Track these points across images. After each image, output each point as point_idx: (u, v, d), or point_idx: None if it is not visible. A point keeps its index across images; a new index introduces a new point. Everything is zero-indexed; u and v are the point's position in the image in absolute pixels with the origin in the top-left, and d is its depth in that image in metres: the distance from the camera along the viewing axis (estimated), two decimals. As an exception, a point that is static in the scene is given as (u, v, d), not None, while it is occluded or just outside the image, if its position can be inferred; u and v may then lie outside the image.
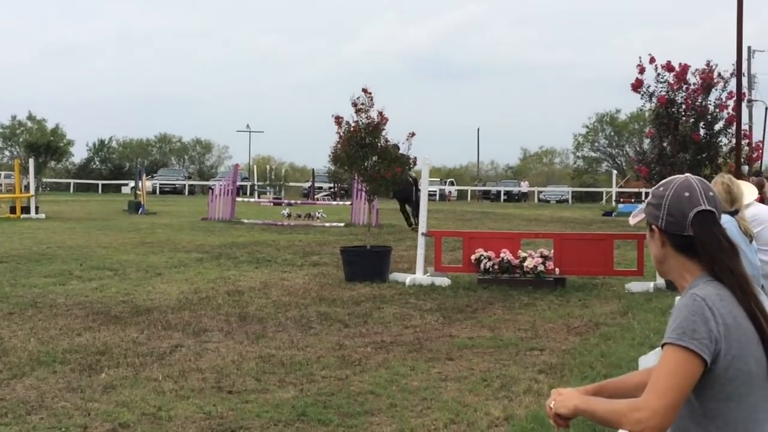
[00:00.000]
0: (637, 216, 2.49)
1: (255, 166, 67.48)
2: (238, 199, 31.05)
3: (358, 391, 6.47)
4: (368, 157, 13.31)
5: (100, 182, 77.16)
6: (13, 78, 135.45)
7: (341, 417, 5.80)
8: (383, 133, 13.32)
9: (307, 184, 57.41)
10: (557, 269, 12.21)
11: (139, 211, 31.98)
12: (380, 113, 13.27)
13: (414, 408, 6.03)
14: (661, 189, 2.33)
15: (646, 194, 3.12)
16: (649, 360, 5.49)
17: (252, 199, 43.19)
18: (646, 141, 15.63)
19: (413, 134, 13.59)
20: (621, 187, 56.65)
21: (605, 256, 12.40)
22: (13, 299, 10.52)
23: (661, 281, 11.74)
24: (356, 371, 7.12)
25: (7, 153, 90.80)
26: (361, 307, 10.38)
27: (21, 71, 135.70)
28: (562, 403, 2.39)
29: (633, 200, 46.31)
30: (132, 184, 73.59)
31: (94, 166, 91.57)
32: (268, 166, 61.97)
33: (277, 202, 36.01)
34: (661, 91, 12.74)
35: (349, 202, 29.21)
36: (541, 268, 12.06)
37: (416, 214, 21.34)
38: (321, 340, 8.41)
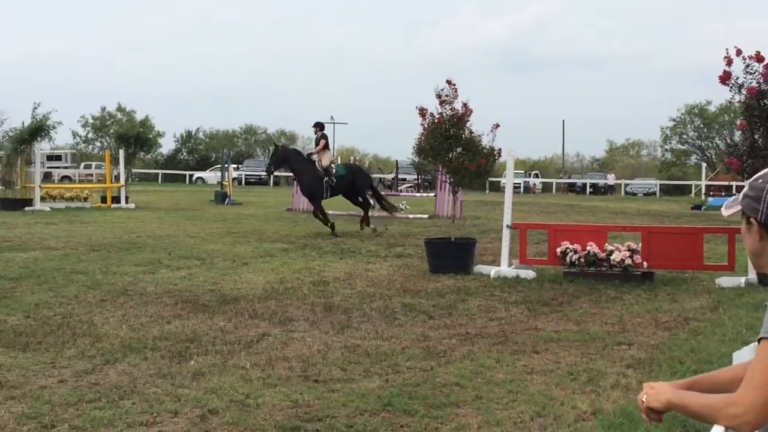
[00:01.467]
0: (731, 208, 2.42)
1: (339, 158, 67.82)
2: (323, 190, 31.21)
3: (443, 382, 6.47)
4: (452, 148, 13.28)
5: (187, 173, 78.35)
6: (102, 70, 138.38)
7: (427, 408, 5.80)
8: (468, 124, 13.28)
9: (391, 176, 57.50)
10: (645, 263, 12.02)
11: (226, 202, 32.43)
12: (465, 104, 13.23)
13: (500, 400, 6.00)
14: (760, 181, 2.27)
15: (738, 187, 3.05)
16: (743, 355, 5.38)
17: (336, 191, 43.29)
18: (737, 133, 15.27)
19: (498, 125, 13.53)
20: (711, 179, 55.54)
21: (694, 250, 12.16)
22: (105, 287, 10.76)
23: (753, 276, 11.47)
24: (441, 363, 7.12)
25: (97, 144, 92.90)
26: (446, 298, 10.37)
27: (111, 63, 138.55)
28: (655, 397, 2.36)
29: (723, 193, 45.32)
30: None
31: (182, 157, 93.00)
32: (351, 158, 62.21)
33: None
34: (750, 82, 12.44)
35: (432, 194, 29.18)
36: (628, 261, 11.89)
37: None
38: (406, 331, 8.43)
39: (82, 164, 75.24)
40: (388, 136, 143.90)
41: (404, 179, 55.73)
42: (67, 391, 6.02)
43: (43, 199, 27.64)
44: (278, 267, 12.98)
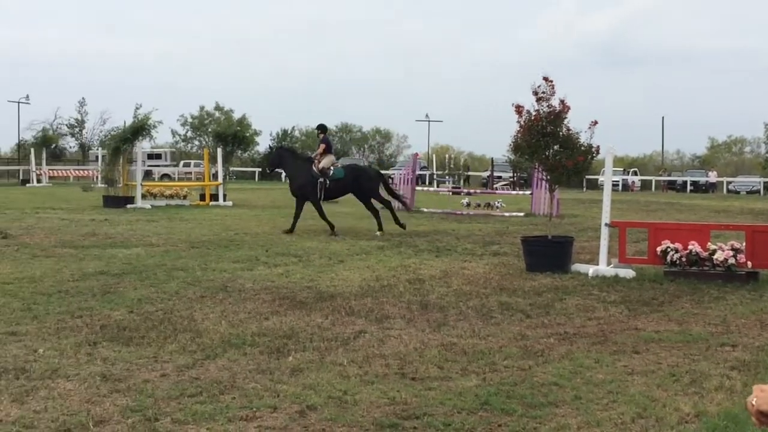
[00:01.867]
0: None
1: (434, 156, 67.76)
2: (418, 188, 31.26)
3: (541, 382, 6.40)
4: (549, 146, 13.14)
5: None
6: (200, 69, 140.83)
7: (525, 407, 5.75)
8: (565, 121, 13.13)
9: (486, 174, 57.24)
10: (749, 263, 11.71)
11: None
12: (562, 101, 13.07)
13: (599, 401, 5.92)
14: None
15: None
16: None
17: (431, 188, 43.41)
18: None
19: (596, 122, 13.33)
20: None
21: (801, 250, 11.80)
22: (205, 283, 10.94)
23: None
24: (539, 362, 7.04)
25: (196, 143, 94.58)
26: (543, 297, 10.27)
27: (208, 62, 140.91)
28: (766, 400, 2.29)
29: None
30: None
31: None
32: (447, 155, 62.07)
33: (456, 192, 36.06)
34: None
35: (528, 192, 28.96)
36: (732, 261, 11.60)
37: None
38: (503, 329, 8.37)
39: (181, 162, 76.68)
40: (484, 134, 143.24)
41: (500, 177, 55.40)
42: (169, 385, 6.13)
43: (144, 196, 28.25)
44: (374, 264, 13.03)
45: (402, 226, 19.07)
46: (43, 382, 6.17)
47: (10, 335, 7.72)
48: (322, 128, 20.68)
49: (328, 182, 19.24)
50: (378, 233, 18.47)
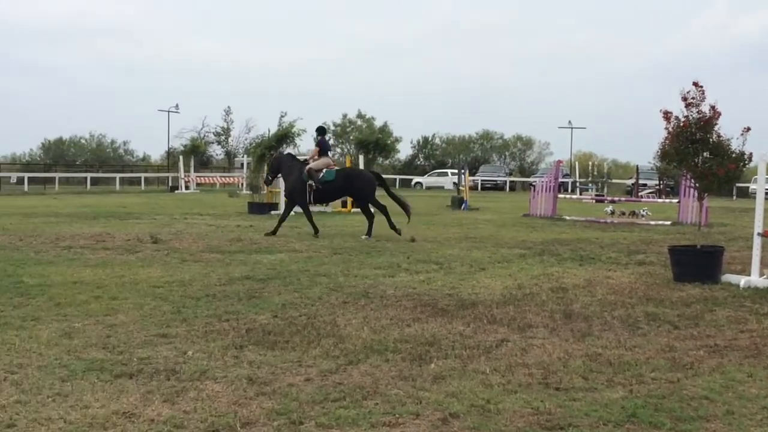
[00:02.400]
0: None
1: (576, 163, 66.84)
2: (560, 195, 30.88)
3: (690, 395, 6.20)
4: (699, 153, 12.76)
5: (423, 178, 79.33)
6: (343, 77, 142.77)
7: (674, 421, 5.58)
8: (716, 128, 12.73)
9: (631, 181, 56.13)
10: None
11: (462, 207, 32.63)
12: (712, 107, 12.67)
13: (753, 416, 5.69)
14: None
15: None
16: None
17: (574, 196, 42.85)
18: None
19: (748, 129, 12.85)
20: None
21: None
22: (347, 289, 11.04)
23: None
24: (688, 375, 6.83)
25: (338, 150, 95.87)
26: (691, 308, 9.96)
27: (351, 70, 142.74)
28: None
29: None
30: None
31: (418, 162, 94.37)
32: (590, 163, 61.11)
33: (599, 199, 35.46)
34: None
35: (675, 200, 28.23)
36: None
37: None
38: (649, 341, 8.15)
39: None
40: (628, 141, 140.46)
41: (644, 185, 54.22)
42: (313, 390, 6.20)
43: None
44: (516, 272, 12.91)
45: (397, 231, 18.92)
46: (192, 384, 6.33)
47: (161, 337, 7.96)
48: (320, 131, 20.81)
49: (315, 185, 19.33)
50: (363, 237, 18.54)
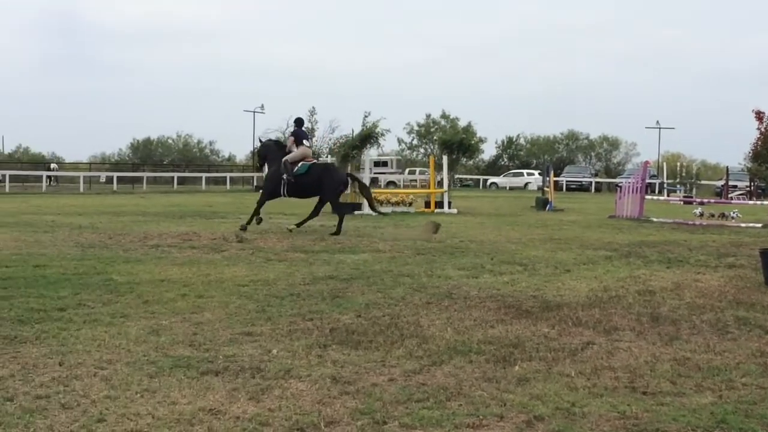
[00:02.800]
0: None
1: (664, 164, 65.76)
2: (647, 197, 30.40)
3: (783, 402, 6.05)
4: (793, 153, 12.45)
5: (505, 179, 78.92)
6: (429, 77, 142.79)
7: (765, 428, 5.44)
8: (811, 128, 12.40)
9: (720, 183, 55.06)
10: None
11: (547, 208, 32.36)
12: (807, 107, 12.35)
13: None
14: None
15: None
16: None
17: (661, 197, 42.18)
18: None
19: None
20: None
21: None
22: (430, 289, 11.02)
23: None
24: (781, 381, 6.66)
25: (421, 150, 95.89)
26: (784, 313, 9.71)
27: (435, 71, 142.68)
28: None
29: None
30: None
31: (502, 163, 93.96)
32: (678, 163, 60.09)
33: (687, 201, 34.85)
34: None
35: (767, 202, 27.59)
36: None
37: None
38: (739, 345, 7.97)
39: (407, 170, 77.87)
40: (718, 141, 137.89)
41: (735, 186, 53.12)
42: (397, 390, 6.20)
43: (371, 203, 28.83)
44: (601, 275, 12.74)
45: (337, 232, 18.86)
46: (276, 382, 6.38)
47: (246, 335, 8.04)
48: (297, 121, 20.88)
49: (288, 178, 19.47)
50: (293, 226, 19.40)
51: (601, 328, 8.62)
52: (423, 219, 25.50)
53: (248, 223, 19.52)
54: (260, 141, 22.28)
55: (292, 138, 20.30)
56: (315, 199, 20.30)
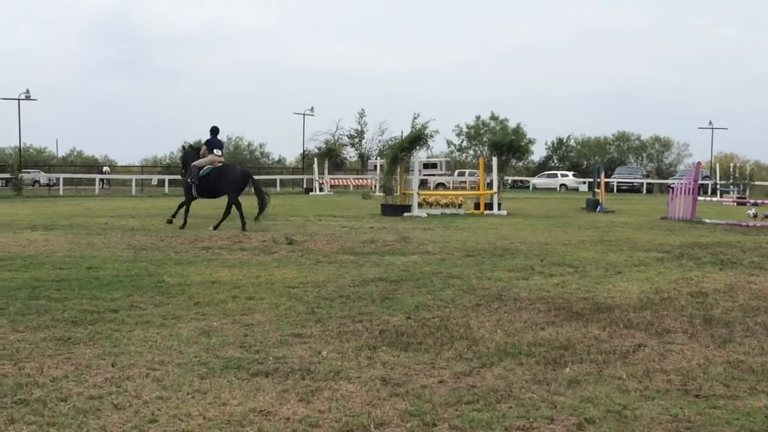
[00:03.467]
0: None
1: (717, 164, 65.00)
2: (699, 198, 30.04)
3: (840, 406, 5.94)
4: None
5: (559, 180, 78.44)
6: (478, 79, 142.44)
7: (821, 432, 5.36)
8: None
9: (775, 184, 54.24)
10: None
11: (598, 209, 32.12)
12: None
13: None
14: None
15: None
16: None
17: (714, 199, 41.68)
18: None
19: None
20: None
21: None
22: (480, 291, 10.99)
23: None
24: (836, 385, 6.54)
25: (471, 152, 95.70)
26: (840, 315, 9.54)
27: (484, 72, 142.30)
28: None
29: None
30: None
31: (552, 164, 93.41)
32: (731, 164, 59.34)
33: (741, 202, 34.40)
34: None
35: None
36: None
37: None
38: (794, 348, 7.85)
39: (456, 172, 77.75)
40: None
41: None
42: (447, 392, 6.19)
43: (420, 205, 28.87)
44: (653, 276, 12.61)
45: (243, 227, 20.32)
46: (326, 383, 6.39)
47: (295, 337, 8.08)
48: (212, 130, 22.09)
49: (191, 180, 21.41)
50: (211, 228, 20.48)
51: (653, 331, 8.54)
52: (473, 221, 25.46)
53: (173, 216, 22.16)
54: (183, 147, 24.07)
55: (204, 146, 22.02)
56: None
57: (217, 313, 9.28)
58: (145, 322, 8.66)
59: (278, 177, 71.67)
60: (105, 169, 74.39)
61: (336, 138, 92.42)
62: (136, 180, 62.10)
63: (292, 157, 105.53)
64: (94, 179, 60.57)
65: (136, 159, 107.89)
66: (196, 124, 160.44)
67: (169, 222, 21.83)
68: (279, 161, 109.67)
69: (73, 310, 9.27)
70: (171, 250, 15.68)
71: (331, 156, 60.95)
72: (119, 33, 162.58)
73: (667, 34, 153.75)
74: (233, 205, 21.13)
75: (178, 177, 68.08)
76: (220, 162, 21.86)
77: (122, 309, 9.39)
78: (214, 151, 21.70)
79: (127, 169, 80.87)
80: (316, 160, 58.59)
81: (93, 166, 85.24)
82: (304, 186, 62.40)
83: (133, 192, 55.81)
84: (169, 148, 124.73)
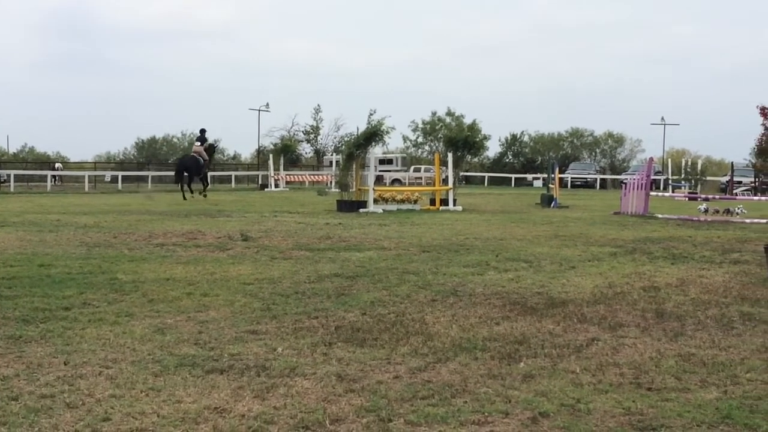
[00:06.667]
0: None
1: (669, 160, 65.68)
2: (652, 193, 30.35)
3: (788, 397, 6.04)
4: (797, 148, 12.43)
5: (513, 176, 78.95)
6: (435, 75, 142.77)
7: (771, 424, 5.44)
8: (815, 122, 12.38)
9: (725, 178, 55.00)
10: None
11: (552, 205, 32.34)
12: (811, 102, 12.35)
13: None
14: None
15: None
16: None
17: (666, 194, 42.17)
18: None
19: None
20: None
21: None
22: (436, 287, 11.02)
23: None
24: (786, 376, 6.66)
25: (426, 147, 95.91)
26: (789, 308, 9.70)
27: (442, 69, 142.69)
28: None
29: None
30: (540, 177, 74.93)
31: (507, 160, 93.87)
32: (683, 160, 59.97)
33: (692, 197, 34.82)
34: None
35: (771, 197, 27.57)
36: None
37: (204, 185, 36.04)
38: (744, 341, 7.96)
39: (412, 168, 77.89)
40: (723, 137, 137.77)
41: (740, 182, 53.06)
42: (402, 387, 6.20)
43: (376, 201, 28.87)
44: (606, 271, 12.73)
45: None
46: (281, 380, 6.38)
47: (251, 333, 8.05)
48: (201, 131, 34.82)
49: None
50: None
51: (606, 325, 8.62)
52: (428, 217, 25.52)
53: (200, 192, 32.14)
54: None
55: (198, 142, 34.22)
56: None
57: (172, 310, 9.22)
58: (98, 320, 8.58)
59: (233, 173, 71.33)
60: (57, 165, 73.41)
61: (291, 134, 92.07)
62: (89, 176, 61.44)
63: (247, 153, 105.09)
64: (46, 176, 59.81)
65: (90, 155, 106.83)
66: (150, 119, 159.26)
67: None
68: (234, 157, 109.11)
69: (25, 308, 9.16)
70: (124, 247, 15.55)
71: (286, 152, 60.70)
72: (70, 27, 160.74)
73: (623, 31, 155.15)
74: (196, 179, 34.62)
75: (131, 173, 67.52)
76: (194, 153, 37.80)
77: (75, 307, 9.30)
78: (196, 143, 37.58)
79: (80, 166, 79.87)
80: (271, 156, 58.36)
81: (45, 162, 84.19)
82: (260, 182, 62.16)
83: (86, 188, 55.20)
84: (122, 144, 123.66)
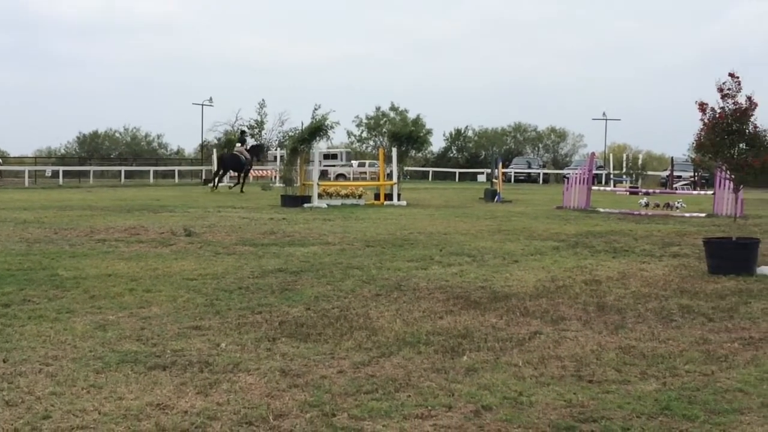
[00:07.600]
0: None
1: (611, 155, 66.44)
2: (594, 188, 30.67)
3: (725, 387, 6.15)
4: (735, 144, 12.62)
5: (457, 171, 79.27)
6: (380, 70, 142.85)
7: (707, 414, 5.54)
8: (752, 119, 12.58)
9: (666, 173, 55.76)
10: None
11: (495, 199, 32.53)
12: (749, 98, 12.51)
13: (789, 410, 5.63)
14: None
15: None
16: None
17: (608, 188, 42.64)
18: None
19: (783, 118, 12.73)
20: None
21: None
22: (380, 281, 11.04)
23: None
24: (722, 367, 6.77)
25: (371, 143, 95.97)
26: (726, 301, 9.87)
27: (387, 64, 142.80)
28: None
29: None
30: (484, 172, 75.43)
31: (451, 155, 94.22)
32: (624, 155, 60.69)
33: (633, 191, 35.26)
34: None
35: (710, 192, 28.00)
36: None
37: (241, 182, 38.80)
38: (683, 333, 8.09)
39: (356, 162, 77.89)
40: (663, 132, 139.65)
41: (679, 176, 53.83)
42: (346, 382, 6.21)
43: (320, 196, 28.82)
44: (549, 265, 12.85)
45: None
46: (225, 376, 6.36)
47: (194, 329, 8.00)
48: (241, 132, 33.38)
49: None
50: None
51: (549, 318, 8.71)
52: (373, 211, 25.54)
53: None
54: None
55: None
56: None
57: (114, 306, 9.13)
58: (39, 317, 8.47)
59: (176, 168, 70.64)
60: (-4, 160, 72.23)
61: (235, 129, 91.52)
62: (30, 171, 60.48)
63: (190, 147, 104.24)
64: (-16, 171, 58.78)
65: (30, 150, 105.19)
66: (91, 114, 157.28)
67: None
68: (177, 152, 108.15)
69: (-37, 305, 9.01)
70: (66, 242, 15.36)
71: (230, 147, 60.36)
72: (10, 19, 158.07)
73: (566, 26, 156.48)
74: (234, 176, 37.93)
75: (73, 168, 66.70)
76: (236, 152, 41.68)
77: (14, 303, 9.17)
78: (237, 145, 42.45)
79: (20, 161, 78.60)
80: (215, 150, 57.97)
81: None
82: (203, 177, 61.70)
83: (26, 184, 54.35)
84: (64, 138, 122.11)
